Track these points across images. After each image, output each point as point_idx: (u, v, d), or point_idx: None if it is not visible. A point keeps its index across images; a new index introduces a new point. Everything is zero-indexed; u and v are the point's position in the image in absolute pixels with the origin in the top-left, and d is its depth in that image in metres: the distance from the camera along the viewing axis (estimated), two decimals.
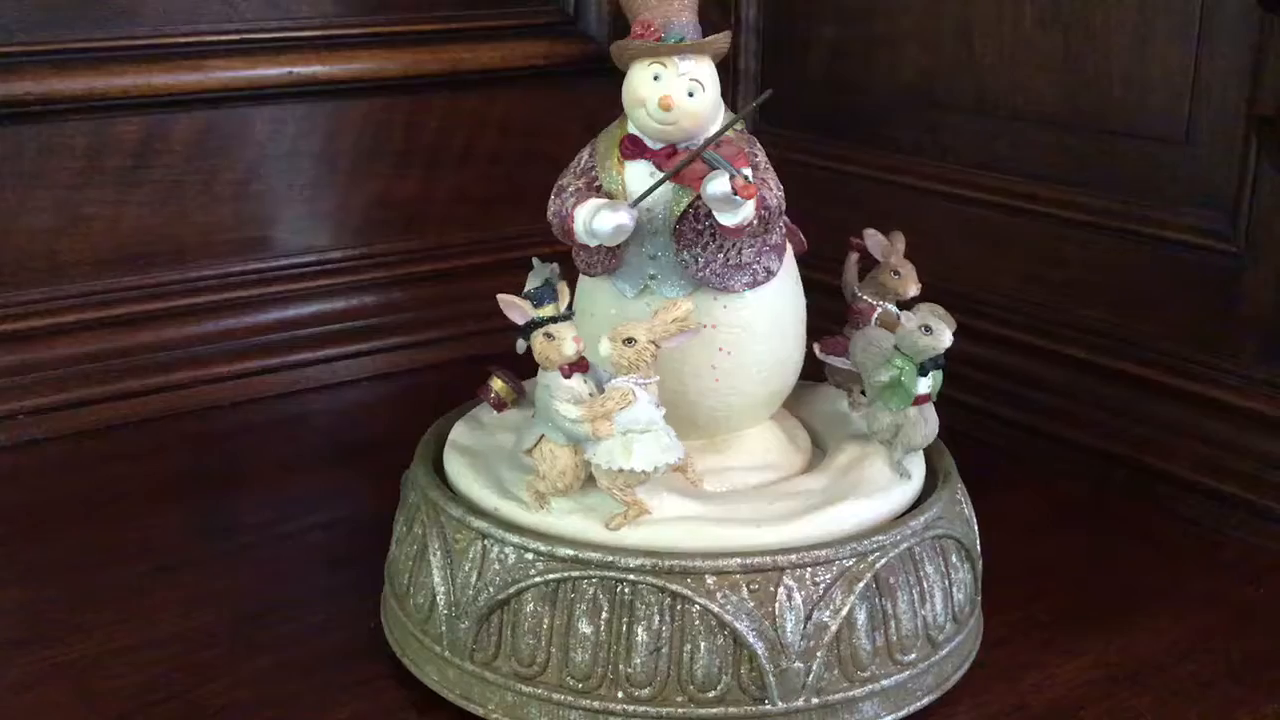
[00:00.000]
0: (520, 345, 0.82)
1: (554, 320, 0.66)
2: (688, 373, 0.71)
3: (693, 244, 0.69)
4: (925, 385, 0.71)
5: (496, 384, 0.78)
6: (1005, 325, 1.08)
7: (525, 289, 0.80)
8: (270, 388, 1.12)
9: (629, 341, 0.65)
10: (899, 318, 0.72)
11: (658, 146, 0.69)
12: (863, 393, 0.79)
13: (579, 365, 0.66)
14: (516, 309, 0.66)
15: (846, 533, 0.68)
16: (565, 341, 0.65)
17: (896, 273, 0.80)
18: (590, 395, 0.66)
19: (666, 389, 0.71)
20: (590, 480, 0.67)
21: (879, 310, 0.80)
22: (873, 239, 0.81)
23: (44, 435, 1.03)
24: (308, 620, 0.78)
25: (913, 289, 0.80)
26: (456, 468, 0.73)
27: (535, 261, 0.81)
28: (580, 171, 0.71)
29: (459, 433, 0.77)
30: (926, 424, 0.72)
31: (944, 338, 0.70)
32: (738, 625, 0.64)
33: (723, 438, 0.73)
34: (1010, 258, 1.08)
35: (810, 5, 1.22)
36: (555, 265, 0.80)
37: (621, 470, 0.65)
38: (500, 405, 0.78)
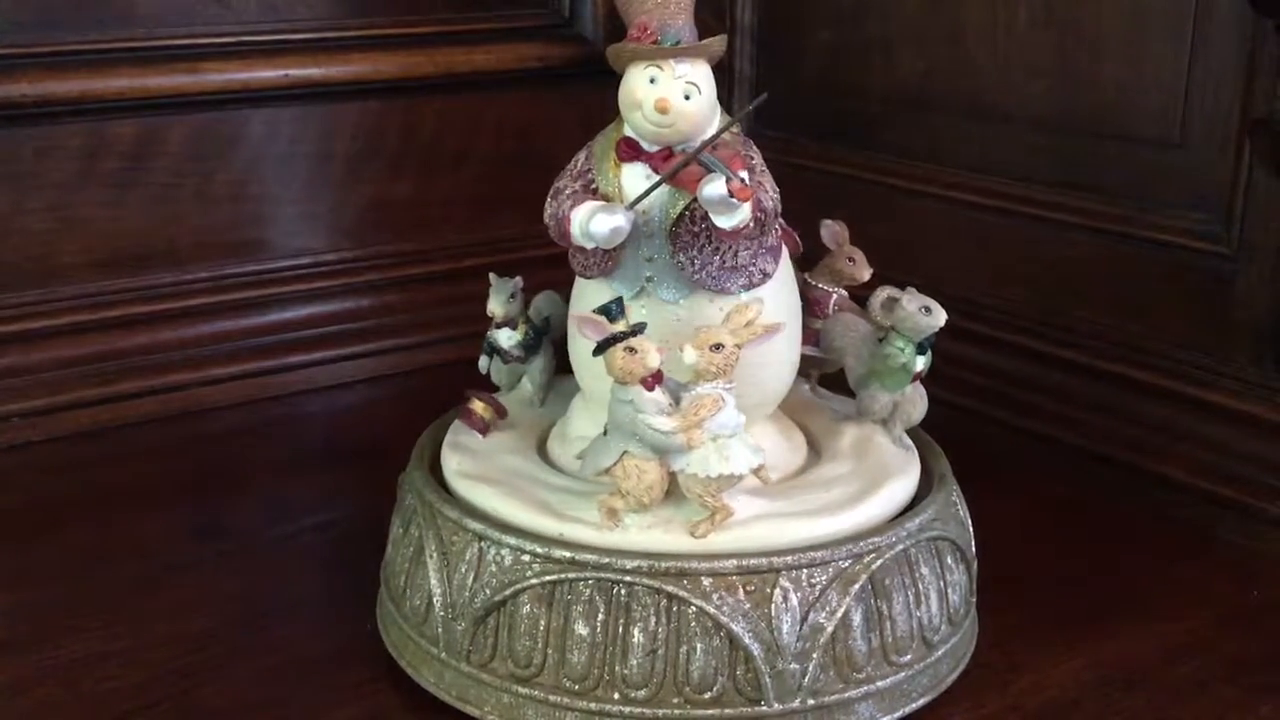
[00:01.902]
0: (483, 364, 0.81)
1: (631, 334, 0.64)
2: (683, 374, 0.71)
3: (689, 246, 0.69)
4: (922, 363, 0.75)
5: (478, 406, 0.77)
6: (999, 328, 1.08)
7: (489, 305, 0.79)
8: (266, 390, 1.12)
9: (717, 348, 0.64)
10: (902, 300, 0.74)
11: (654, 149, 0.69)
12: (820, 380, 0.82)
13: (658, 377, 0.65)
14: (594, 325, 0.65)
15: (900, 508, 0.72)
16: (649, 354, 0.64)
17: (851, 259, 0.82)
18: (671, 406, 0.65)
19: None
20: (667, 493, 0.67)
21: (835, 296, 0.82)
22: (828, 229, 0.82)
23: (39, 437, 1.03)
24: (304, 622, 0.78)
25: (866, 273, 0.82)
26: (489, 498, 0.70)
27: (493, 277, 0.80)
28: (577, 174, 0.71)
29: (461, 464, 0.74)
30: (922, 400, 0.76)
31: (940, 317, 0.74)
32: (734, 627, 0.65)
33: None
34: (1004, 260, 1.08)
35: (805, 9, 1.22)
36: (518, 279, 0.80)
37: (720, 476, 0.65)
38: (485, 429, 0.77)
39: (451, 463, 0.74)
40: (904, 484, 0.73)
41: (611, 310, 0.65)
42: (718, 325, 0.66)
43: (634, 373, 0.64)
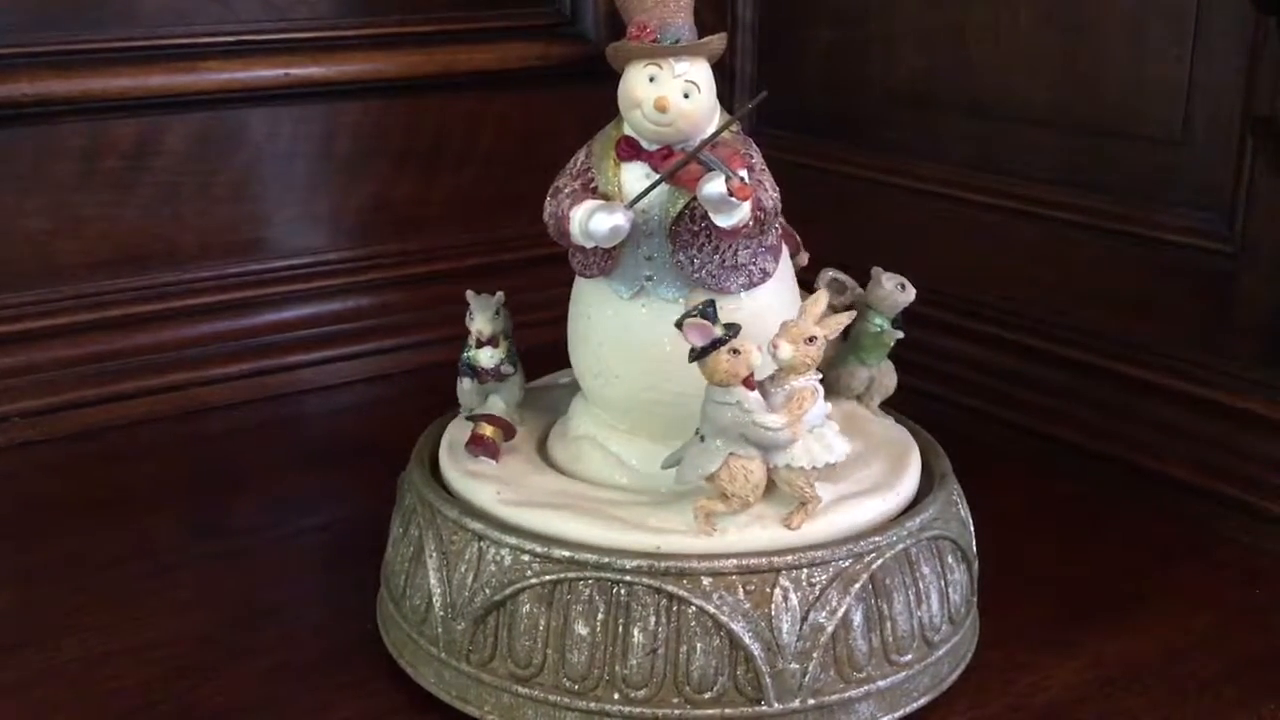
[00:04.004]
0: (467, 387, 0.78)
1: (732, 336, 0.64)
2: (683, 373, 0.70)
3: (689, 245, 0.69)
4: (895, 338, 0.79)
5: (489, 431, 0.74)
6: (1001, 326, 1.08)
7: (476, 325, 0.76)
8: (266, 389, 1.12)
9: (810, 340, 0.65)
10: (881, 279, 0.79)
11: (654, 148, 0.69)
12: None
13: (752, 375, 0.65)
14: (700, 330, 0.64)
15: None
16: (752, 353, 0.64)
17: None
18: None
19: (662, 389, 0.71)
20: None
21: None
22: None
23: (39, 437, 1.03)
24: (304, 622, 0.78)
25: (805, 258, 0.83)
26: (560, 523, 0.67)
27: (472, 295, 0.77)
28: (576, 173, 0.71)
29: (502, 493, 0.70)
30: (893, 372, 0.81)
31: (912, 292, 0.79)
32: (734, 626, 0.64)
33: None
34: (1006, 259, 1.08)
35: (806, 7, 1.22)
36: (500, 294, 0.78)
37: (825, 465, 0.66)
38: (496, 453, 0.74)
39: (485, 493, 0.71)
40: (916, 449, 0.77)
41: (710, 314, 0.64)
42: (800, 318, 0.66)
43: (738, 374, 0.64)
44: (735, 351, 0.63)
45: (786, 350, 0.65)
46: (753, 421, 0.64)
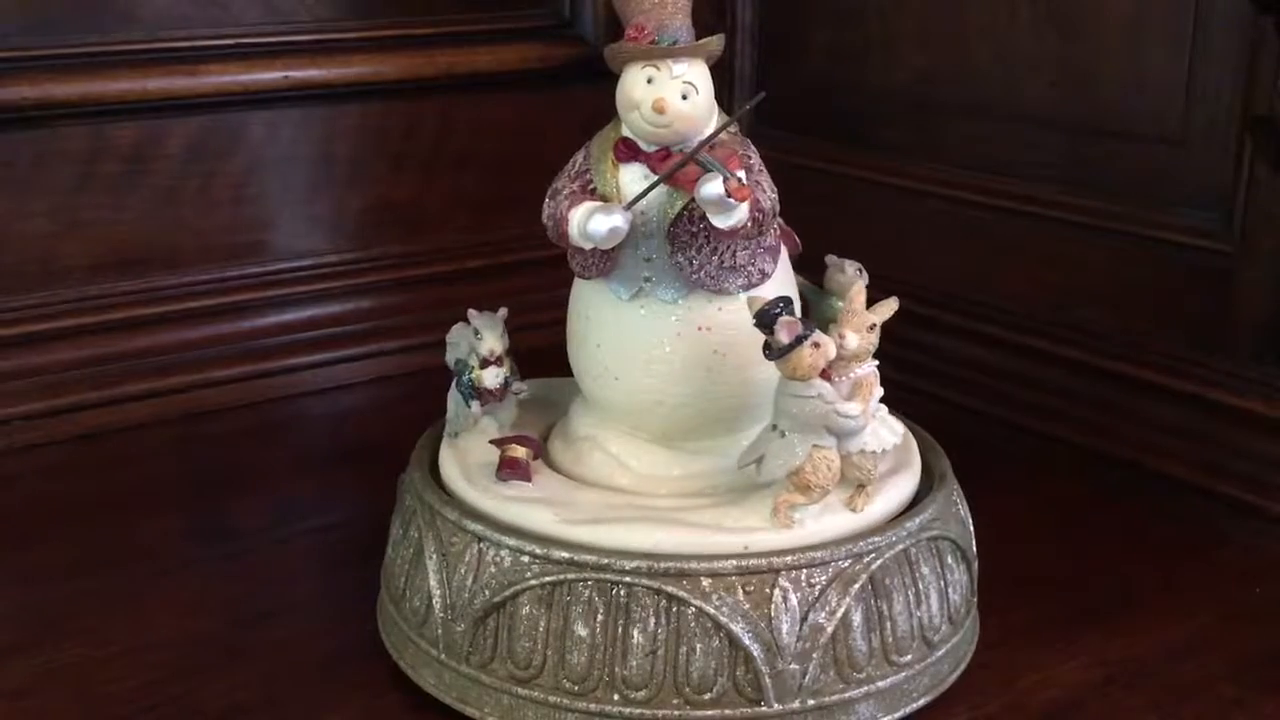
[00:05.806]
0: (474, 410, 0.76)
1: (811, 332, 0.64)
2: (682, 375, 0.71)
3: (687, 246, 0.69)
4: None
5: (521, 452, 0.71)
6: (1001, 326, 1.08)
7: (486, 345, 0.74)
8: (267, 392, 1.12)
9: (871, 328, 0.67)
10: (844, 266, 0.79)
11: (652, 149, 0.69)
12: None
13: (829, 368, 0.66)
14: (791, 327, 0.64)
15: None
16: (830, 345, 0.65)
17: None
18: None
19: (661, 390, 0.71)
20: None
21: None
22: None
23: (40, 440, 1.03)
24: (305, 624, 0.78)
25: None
26: (639, 536, 0.66)
27: (475, 314, 0.75)
28: (575, 174, 0.71)
29: (560, 514, 0.68)
30: None
31: (866, 276, 0.79)
32: (733, 627, 0.64)
33: (715, 440, 0.73)
34: (1005, 259, 1.08)
35: (805, 7, 1.22)
36: (503, 309, 0.76)
37: (893, 447, 0.68)
38: (529, 475, 0.71)
39: (540, 517, 0.68)
40: (912, 436, 0.77)
41: (791, 309, 0.65)
42: (854, 308, 0.67)
43: (818, 366, 0.65)
44: (816, 345, 0.64)
45: (853, 340, 0.67)
46: (835, 411, 0.65)
